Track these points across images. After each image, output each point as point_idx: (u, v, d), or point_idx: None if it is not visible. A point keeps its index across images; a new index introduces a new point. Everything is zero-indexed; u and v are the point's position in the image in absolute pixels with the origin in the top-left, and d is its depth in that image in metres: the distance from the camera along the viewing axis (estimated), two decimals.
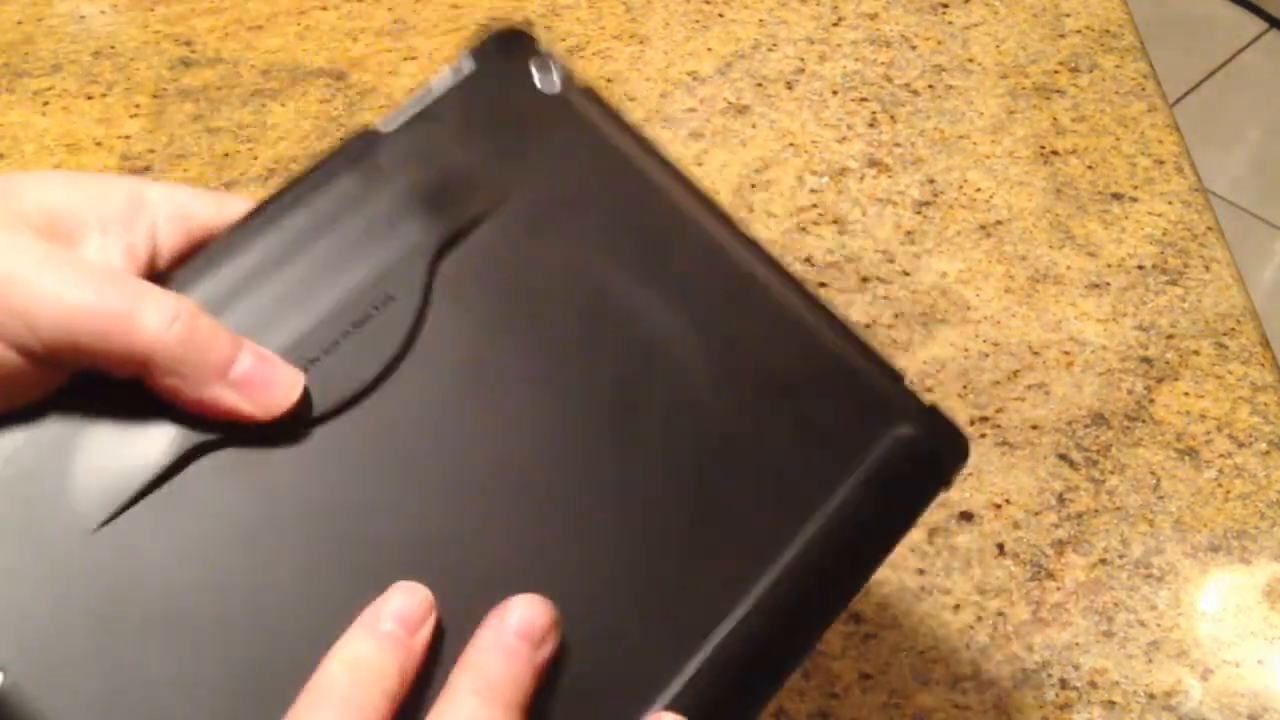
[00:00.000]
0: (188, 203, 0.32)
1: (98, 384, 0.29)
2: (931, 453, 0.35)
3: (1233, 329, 0.57)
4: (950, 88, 0.68)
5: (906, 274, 0.59)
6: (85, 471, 0.28)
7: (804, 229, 0.61)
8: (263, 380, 0.29)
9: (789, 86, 0.68)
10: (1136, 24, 0.73)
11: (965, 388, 0.54)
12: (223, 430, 0.29)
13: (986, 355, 0.56)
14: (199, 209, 0.32)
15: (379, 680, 0.27)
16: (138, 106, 0.65)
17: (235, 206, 0.32)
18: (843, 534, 0.33)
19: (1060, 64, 0.70)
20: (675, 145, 0.64)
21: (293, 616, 0.28)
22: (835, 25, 0.72)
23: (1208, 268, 0.60)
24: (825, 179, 0.63)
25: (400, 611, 0.28)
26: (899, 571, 0.48)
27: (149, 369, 0.28)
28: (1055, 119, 0.67)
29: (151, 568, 0.28)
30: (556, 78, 0.35)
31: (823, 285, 0.58)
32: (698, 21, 0.71)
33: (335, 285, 0.31)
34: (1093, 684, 0.46)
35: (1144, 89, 0.69)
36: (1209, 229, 0.62)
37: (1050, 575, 0.49)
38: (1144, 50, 0.71)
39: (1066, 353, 0.56)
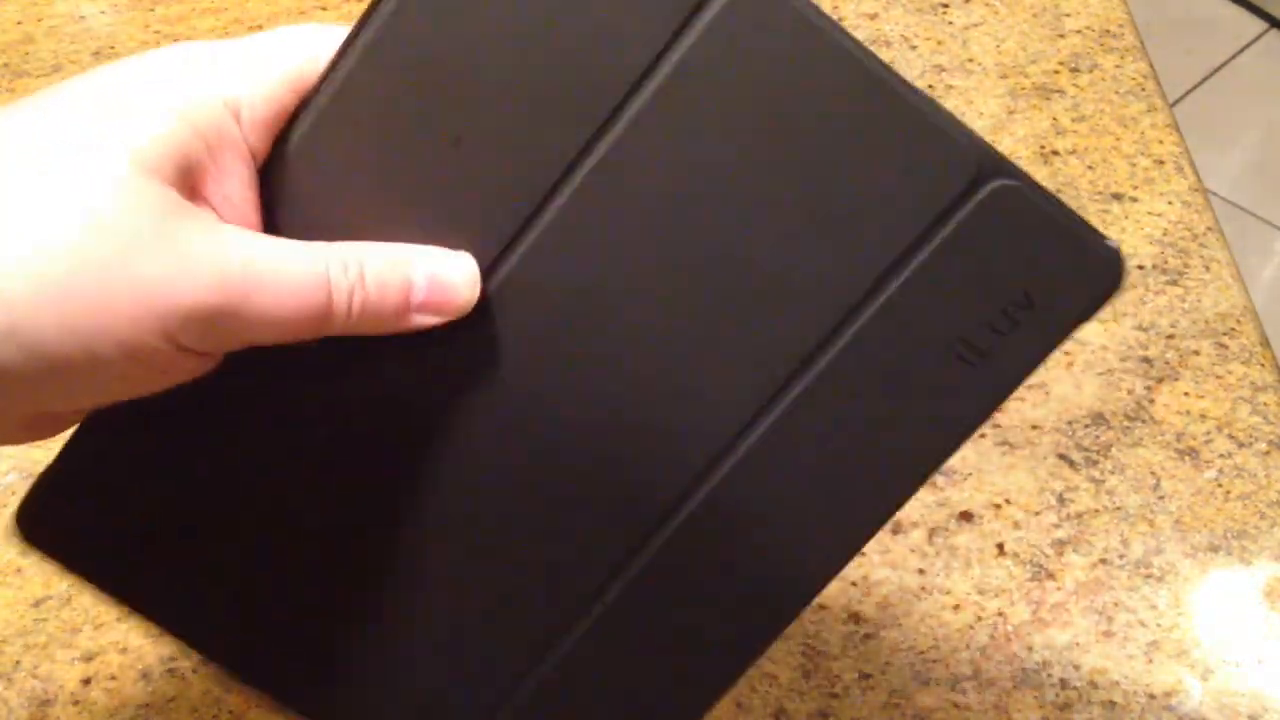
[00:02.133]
0: (272, 84, 0.30)
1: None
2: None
3: (1233, 329, 0.57)
4: (950, 88, 0.68)
5: None
6: None
7: None
8: (441, 293, 0.30)
9: None
10: (1136, 24, 0.73)
11: None
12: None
13: None
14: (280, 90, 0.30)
15: None
16: None
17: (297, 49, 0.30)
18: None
19: (1060, 64, 0.70)
20: None
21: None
22: None
23: (1208, 268, 0.60)
24: None
25: None
26: (899, 571, 0.48)
27: (347, 331, 0.29)
28: (1055, 119, 0.67)
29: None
30: None
31: None
32: None
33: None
34: (1093, 684, 0.46)
35: (1144, 89, 0.69)
36: (1209, 229, 0.62)
37: (1050, 575, 0.49)
38: (1144, 50, 0.71)
39: (1066, 353, 0.56)
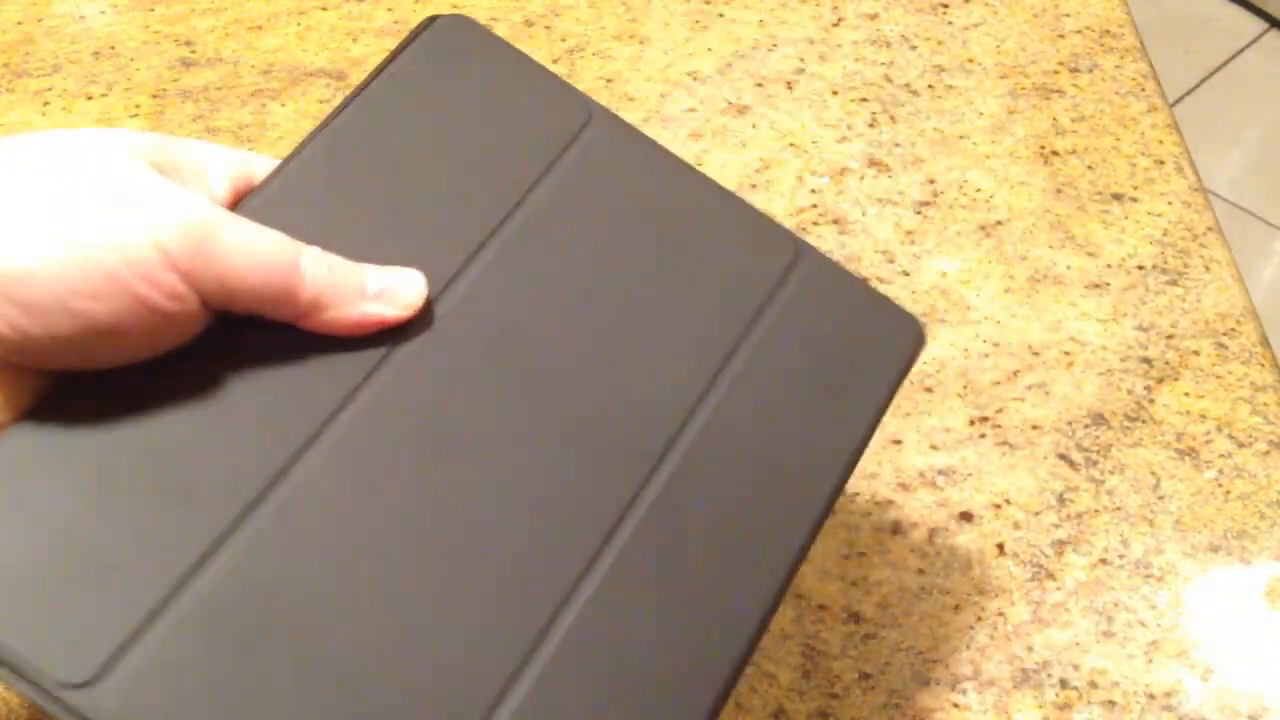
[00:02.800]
0: (239, 160, 0.34)
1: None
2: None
3: (1233, 329, 0.57)
4: (950, 88, 0.68)
5: (906, 274, 0.59)
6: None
7: (804, 229, 0.61)
8: (396, 286, 0.33)
9: (789, 86, 0.68)
10: (1136, 24, 0.73)
11: (965, 388, 0.54)
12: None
13: (986, 355, 0.56)
14: (245, 167, 0.34)
15: None
16: (138, 106, 0.65)
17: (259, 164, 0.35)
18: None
19: (1060, 64, 0.70)
20: (675, 145, 0.64)
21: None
22: (835, 25, 0.72)
23: (1208, 268, 0.60)
24: (825, 179, 0.63)
25: None
26: (899, 571, 0.48)
27: (310, 310, 0.32)
28: (1055, 119, 0.67)
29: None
30: None
31: None
32: (698, 21, 0.71)
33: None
34: (1093, 684, 0.46)
35: (1144, 89, 0.69)
36: (1209, 229, 0.62)
37: (1050, 575, 0.49)
38: (1144, 50, 0.71)
39: (1066, 353, 0.56)
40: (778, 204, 0.62)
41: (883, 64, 0.69)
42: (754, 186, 0.62)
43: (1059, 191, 0.63)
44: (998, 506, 0.50)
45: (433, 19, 0.38)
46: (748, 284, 0.38)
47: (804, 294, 0.39)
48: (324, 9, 0.71)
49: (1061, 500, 0.51)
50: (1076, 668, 0.46)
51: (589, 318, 0.36)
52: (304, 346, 0.32)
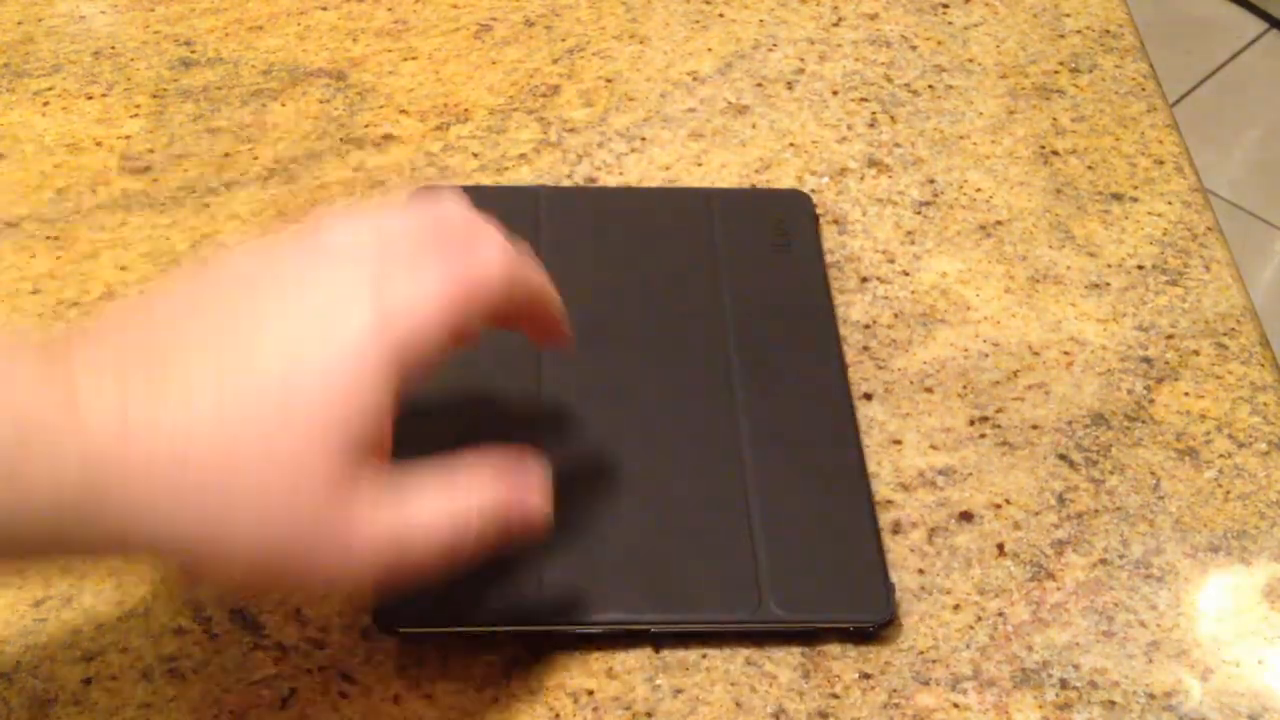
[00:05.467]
0: None
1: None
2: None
3: (1233, 329, 0.57)
4: (950, 88, 0.68)
5: (906, 274, 0.59)
6: None
7: None
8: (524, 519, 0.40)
9: (789, 86, 0.68)
10: (1136, 24, 0.73)
11: (965, 388, 0.54)
12: None
13: (986, 355, 0.56)
14: None
15: None
16: (138, 106, 0.65)
17: None
18: None
19: (1060, 64, 0.70)
20: (675, 145, 0.64)
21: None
22: (835, 25, 0.72)
23: (1208, 268, 0.60)
24: (825, 179, 0.63)
25: None
26: (899, 571, 0.48)
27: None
28: (1055, 119, 0.67)
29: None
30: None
31: None
32: (698, 21, 0.71)
33: None
34: (1093, 684, 0.46)
35: (1144, 89, 0.69)
36: (1209, 229, 0.62)
37: (1050, 575, 0.49)
38: (1144, 50, 0.71)
39: (1066, 353, 0.56)
40: None
41: (883, 64, 0.69)
42: (754, 186, 0.62)
43: (1059, 191, 0.63)
44: (998, 506, 0.51)
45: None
46: (696, 233, 0.57)
47: (727, 216, 0.58)
48: (324, 9, 0.71)
49: (1061, 500, 0.51)
50: (1076, 668, 0.46)
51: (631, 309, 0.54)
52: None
